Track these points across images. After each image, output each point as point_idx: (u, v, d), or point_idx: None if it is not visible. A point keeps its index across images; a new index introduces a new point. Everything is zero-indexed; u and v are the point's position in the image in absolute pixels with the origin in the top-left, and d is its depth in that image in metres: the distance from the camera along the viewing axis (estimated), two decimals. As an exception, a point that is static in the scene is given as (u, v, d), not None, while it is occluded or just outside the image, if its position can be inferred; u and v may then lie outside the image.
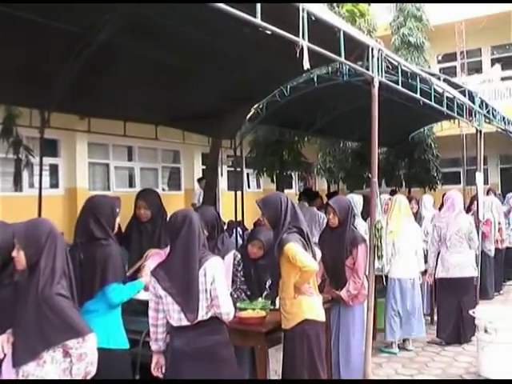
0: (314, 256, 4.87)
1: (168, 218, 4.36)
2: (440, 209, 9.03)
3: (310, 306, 4.78)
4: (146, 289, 4.50)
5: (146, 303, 4.67)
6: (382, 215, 6.47)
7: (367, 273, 6.15)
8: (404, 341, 7.95)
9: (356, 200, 7.52)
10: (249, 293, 5.81)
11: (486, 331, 6.57)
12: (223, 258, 5.05)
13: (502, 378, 6.45)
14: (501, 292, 11.79)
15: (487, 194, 13.13)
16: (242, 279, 5.84)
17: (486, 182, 18.30)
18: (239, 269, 5.83)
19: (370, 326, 6.09)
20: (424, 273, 8.28)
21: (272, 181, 16.39)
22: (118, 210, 4.52)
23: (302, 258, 4.56)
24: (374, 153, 5.99)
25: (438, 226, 8.18)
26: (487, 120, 12.57)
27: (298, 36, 4.56)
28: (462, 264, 8.01)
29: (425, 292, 9.26)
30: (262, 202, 4.96)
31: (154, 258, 4.96)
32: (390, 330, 7.76)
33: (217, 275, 4.04)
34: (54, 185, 13.86)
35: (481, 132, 11.00)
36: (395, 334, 7.76)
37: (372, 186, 5.95)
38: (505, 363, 6.51)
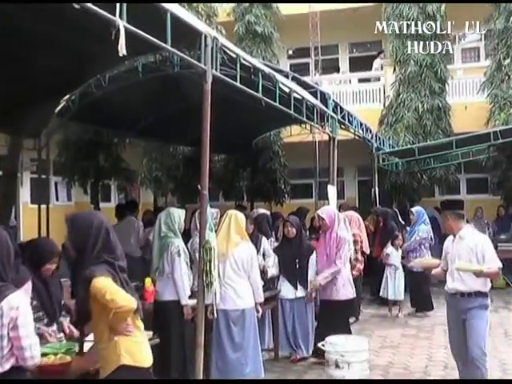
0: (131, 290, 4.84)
1: None
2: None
3: (129, 349, 4.67)
4: None
5: None
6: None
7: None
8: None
9: (177, 215, 7.70)
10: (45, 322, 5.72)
11: (337, 366, 6.90)
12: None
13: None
14: (359, 319, 12.49)
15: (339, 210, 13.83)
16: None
17: (341, 195, 19.26)
18: (38, 298, 5.72)
19: (200, 364, 6.23)
20: (266, 301, 8.55)
21: (85, 192, 16.12)
22: None
23: (115, 296, 4.46)
24: (205, 160, 6.11)
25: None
26: (342, 126, 13.25)
27: (114, 15, 4.59)
28: None
29: (266, 325, 9.56)
30: (70, 220, 4.83)
31: None
32: (214, 370, 7.89)
33: (20, 317, 3.92)
34: None
35: (334, 139, 11.56)
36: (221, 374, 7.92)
37: (202, 199, 6.05)
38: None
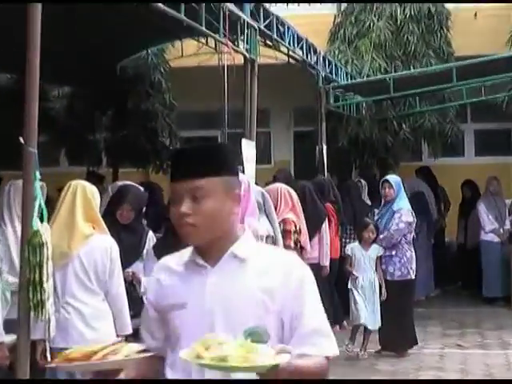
0: None
1: None
2: None
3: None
4: None
5: None
6: None
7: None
8: None
9: None
10: None
11: None
12: None
13: None
14: None
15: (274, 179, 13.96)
16: None
17: (266, 157, 19.46)
18: None
19: None
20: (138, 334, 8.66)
21: None
22: None
23: None
24: (34, 96, 6.21)
25: None
26: (268, 42, 13.41)
27: None
28: None
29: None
30: None
31: None
32: None
33: None
34: None
35: (253, 63, 11.70)
36: None
37: (27, 163, 6.11)
38: None
